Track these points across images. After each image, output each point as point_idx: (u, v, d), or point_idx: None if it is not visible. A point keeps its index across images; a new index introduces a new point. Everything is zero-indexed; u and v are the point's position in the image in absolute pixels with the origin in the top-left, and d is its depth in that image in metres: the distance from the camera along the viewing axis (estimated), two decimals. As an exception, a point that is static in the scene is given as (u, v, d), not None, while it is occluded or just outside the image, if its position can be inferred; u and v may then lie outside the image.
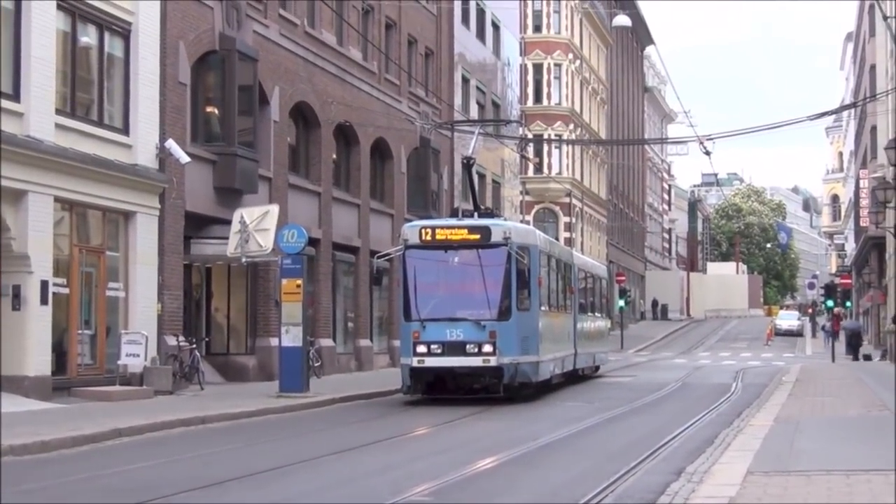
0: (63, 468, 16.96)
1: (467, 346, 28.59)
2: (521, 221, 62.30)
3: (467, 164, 33.54)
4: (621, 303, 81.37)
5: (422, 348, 28.73)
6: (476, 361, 28.65)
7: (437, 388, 29.66)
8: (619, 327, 78.48)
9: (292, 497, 14.48)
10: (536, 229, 35.15)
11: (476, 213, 31.59)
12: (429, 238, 29.37)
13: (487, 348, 28.55)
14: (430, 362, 28.77)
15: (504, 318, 28.79)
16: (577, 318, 38.18)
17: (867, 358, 55.53)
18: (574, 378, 37.88)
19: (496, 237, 29.14)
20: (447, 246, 29.29)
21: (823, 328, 76.64)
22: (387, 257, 32.19)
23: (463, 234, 29.39)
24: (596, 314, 43.96)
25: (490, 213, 33.21)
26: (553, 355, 32.82)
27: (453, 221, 30.53)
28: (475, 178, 36.97)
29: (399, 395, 30.32)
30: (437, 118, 50.58)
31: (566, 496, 14.25)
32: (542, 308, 31.25)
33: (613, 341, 63.64)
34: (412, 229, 30.01)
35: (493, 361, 28.56)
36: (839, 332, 74.13)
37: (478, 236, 29.28)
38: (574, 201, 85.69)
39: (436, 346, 28.65)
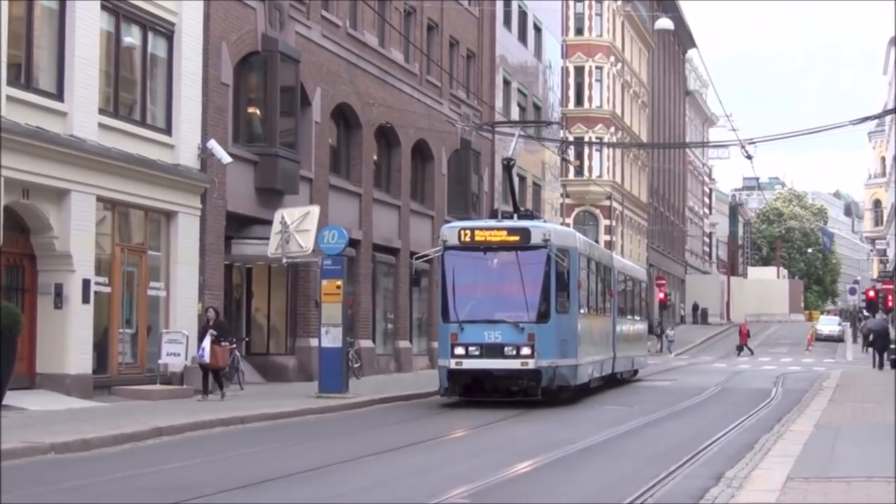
0: (104, 466, 17.04)
1: (505, 349, 28.32)
2: (562, 224, 62.14)
3: (507, 165, 33.27)
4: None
5: (460, 350, 28.47)
6: (514, 364, 28.37)
7: (474, 391, 29.37)
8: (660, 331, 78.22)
9: (331, 498, 14.50)
10: (577, 231, 35.00)
11: (516, 215, 31.43)
12: (468, 239, 29.19)
13: (526, 351, 28.27)
14: (468, 364, 28.50)
15: (543, 320, 28.55)
16: (617, 321, 37.86)
17: (891, 364, 52.10)
18: (612, 382, 37.70)
19: (536, 239, 28.92)
20: (486, 247, 29.08)
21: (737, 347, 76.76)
22: (426, 258, 32.01)
23: (502, 236, 29.21)
24: (635, 317, 43.71)
25: (530, 215, 32.99)
26: (592, 358, 32.55)
27: (492, 223, 30.44)
28: (515, 179, 36.76)
29: (438, 397, 30.23)
30: (478, 120, 50.55)
31: (605, 500, 14.22)
32: (582, 311, 31.01)
33: (652, 345, 63.53)
34: (451, 230, 29.87)
35: (531, 364, 28.27)
36: (745, 344, 74.38)
37: (517, 238, 29.06)
38: (615, 204, 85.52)
39: (474, 349, 28.40)
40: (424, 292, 46.68)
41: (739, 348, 75.41)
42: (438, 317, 30.10)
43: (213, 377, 28.81)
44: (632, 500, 13.87)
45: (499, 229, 29.48)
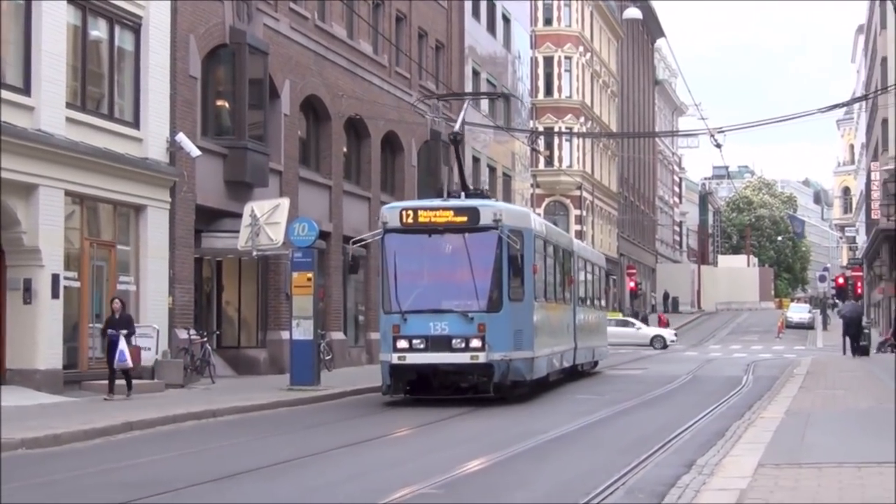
0: (75, 461, 17.00)
1: (453, 341, 25.94)
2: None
3: (454, 139, 31.14)
4: None
5: (402, 343, 26.09)
6: (463, 358, 25.98)
7: (420, 388, 27.14)
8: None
9: (304, 490, 14.48)
10: (531, 212, 33.20)
11: (464, 194, 28.93)
12: (410, 221, 26.71)
13: (476, 343, 25.90)
14: (412, 359, 26.15)
15: (494, 309, 26.14)
16: (577, 309, 35.85)
17: (863, 351, 48.50)
18: (576, 374, 36.69)
19: (486, 219, 26.42)
20: (431, 229, 26.58)
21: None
22: (363, 243, 30.03)
23: (448, 216, 26.68)
24: (596, 305, 41.76)
25: (480, 194, 30.51)
26: (550, 350, 30.42)
27: (438, 202, 27.74)
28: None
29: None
30: (447, 112, 50.49)
31: (578, 488, 14.23)
32: (538, 299, 28.76)
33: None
34: (391, 211, 27.40)
35: (481, 358, 25.90)
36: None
37: (465, 218, 26.54)
38: (585, 194, 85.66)
39: (418, 341, 26.07)
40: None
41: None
42: (379, 307, 27.79)
43: (125, 375, 26.65)
44: (604, 488, 13.91)
45: (444, 209, 26.92)
